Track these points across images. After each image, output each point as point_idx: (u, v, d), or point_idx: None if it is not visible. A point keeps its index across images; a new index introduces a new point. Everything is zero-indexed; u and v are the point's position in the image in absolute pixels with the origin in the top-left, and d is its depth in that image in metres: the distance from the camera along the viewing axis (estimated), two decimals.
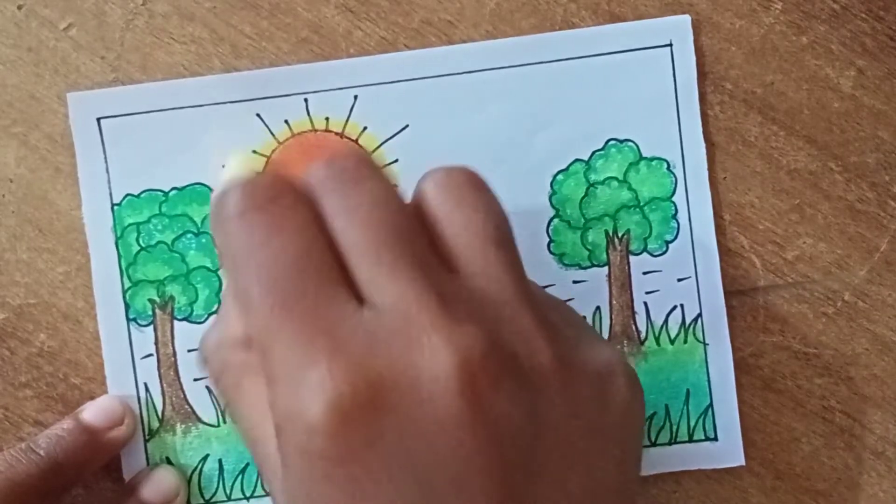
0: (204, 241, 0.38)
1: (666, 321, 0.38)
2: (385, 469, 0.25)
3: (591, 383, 0.28)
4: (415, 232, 0.28)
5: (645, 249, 0.38)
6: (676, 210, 0.38)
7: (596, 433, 0.28)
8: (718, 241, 0.38)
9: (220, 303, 0.38)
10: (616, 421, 0.28)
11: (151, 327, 0.38)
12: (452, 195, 0.29)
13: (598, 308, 0.38)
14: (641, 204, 0.38)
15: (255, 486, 0.38)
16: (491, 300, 0.27)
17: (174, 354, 0.38)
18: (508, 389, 0.25)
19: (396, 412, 0.25)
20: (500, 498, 0.25)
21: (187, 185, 0.38)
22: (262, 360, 0.26)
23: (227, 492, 0.38)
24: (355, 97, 0.38)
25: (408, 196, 0.29)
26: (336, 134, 0.38)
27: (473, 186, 0.29)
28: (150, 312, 0.38)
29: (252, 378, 0.28)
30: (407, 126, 0.38)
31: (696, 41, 0.38)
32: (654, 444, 0.38)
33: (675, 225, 0.38)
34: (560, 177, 0.38)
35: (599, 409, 0.28)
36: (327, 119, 0.38)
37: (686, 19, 0.38)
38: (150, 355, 0.38)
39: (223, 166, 0.37)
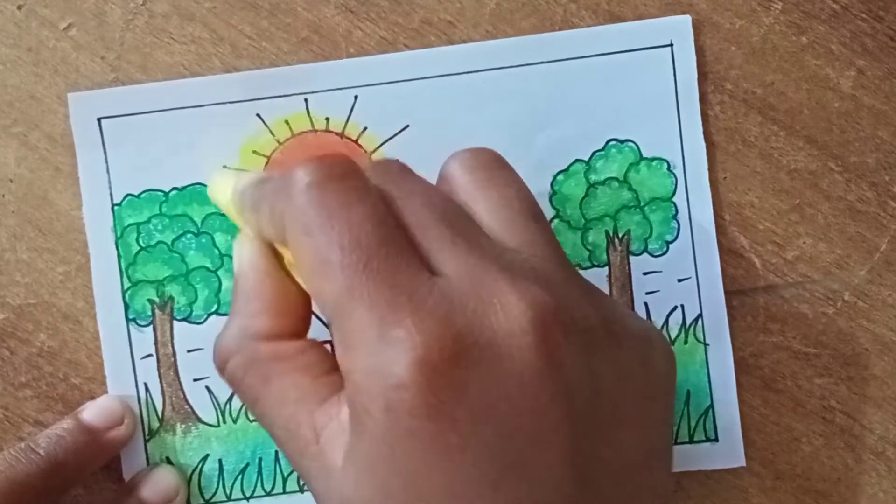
0: (204, 241, 0.38)
1: (666, 322, 0.38)
2: (469, 423, 0.25)
3: (635, 349, 0.29)
4: (462, 211, 0.29)
5: (645, 250, 0.38)
6: (677, 210, 0.38)
7: (641, 396, 0.29)
8: (719, 242, 0.38)
9: (219, 303, 0.38)
10: (658, 385, 0.30)
11: (151, 327, 0.38)
12: (483, 174, 0.31)
13: None
14: (642, 204, 0.38)
15: (255, 487, 0.38)
16: (540, 269, 0.28)
17: (174, 354, 0.38)
18: (576, 345, 0.27)
19: (478, 367, 0.25)
20: (570, 451, 0.26)
21: (187, 186, 0.38)
22: (338, 325, 0.27)
23: (227, 492, 0.38)
24: (355, 97, 0.38)
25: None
26: (336, 134, 0.38)
27: (500, 164, 0.31)
28: (149, 312, 0.38)
29: (282, 368, 0.29)
30: (407, 126, 0.38)
31: (696, 41, 0.38)
32: None
33: (676, 225, 0.38)
34: (560, 177, 0.38)
35: (643, 373, 0.29)
36: (327, 119, 0.38)
37: (686, 19, 0.38)
38: (150, 355, 0.38)
39: (223, 167, 0.37)
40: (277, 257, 0.31)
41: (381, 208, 0.28)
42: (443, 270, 0.27)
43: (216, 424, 0.38)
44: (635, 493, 0.28)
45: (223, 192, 0.33)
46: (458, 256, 0.27)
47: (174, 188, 0.38)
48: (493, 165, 0.31)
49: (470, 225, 0.29)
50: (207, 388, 0.38)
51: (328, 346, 0.30)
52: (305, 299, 0.31)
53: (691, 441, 0.38)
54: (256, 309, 0.30)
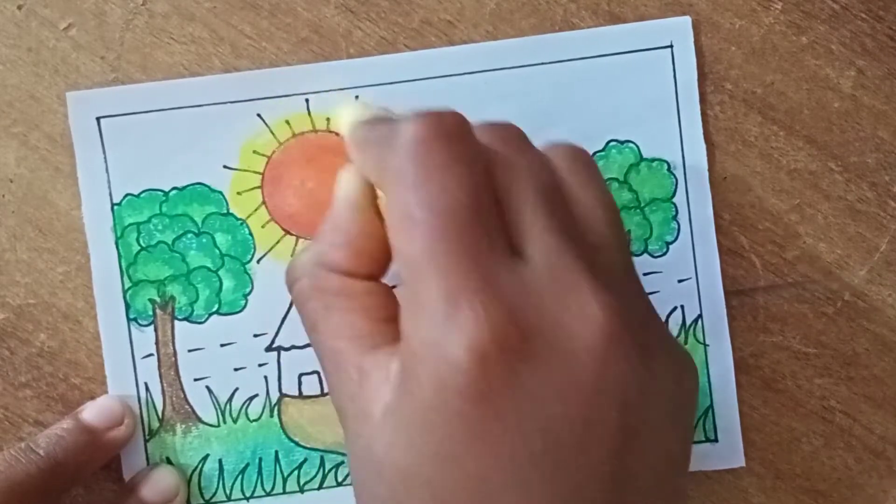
0: (204, 241, 0.38)
1: (666, 322, 0.38)
2: (516, 415, 0.25)
3: (675, 365, 0.29)
4: (563, 197, 0.29)
5: (645, 250, 0.38)
6: (677, 211, 0.38)
7: (672, 412, 0.29)
8: (719, 242, 0.38)
9: (220, 303, 0.38)
10: (686, 402, 0.30)
11: (152, 327, 0.38)
12: (584, 172, 0.30)
13: None
14: (642, 205, 0.38)
15: (255, 487, 0.38)
16: (617, 276, 0.28)
17: (174, 354, 0.38)
18: (635, 358, 0.27)
19: (537, 362, 0.25)
20: (611, 463, 0.26)
21: (187, 185, 0.38)
22: (409, 286, 0.27)
23: (227, 492, 0.38)
24: (356, 97, 0.38)
25: None
26: (337, 134, 0.38)
27: (597, 169, 0.31)
28: (150, 312, 0.38)
29: (344, 304, 0.29)
30: None
31: (696, 42, 0.38)
32: None
33: (676, 226, 0.38)
34: None
35: (676, 391, 0.29)
36: (328, 119, 0.38)
37: (686, 20, 0.38)
38: (151, 355, 0.38)
39: (334, 116, 0.37)
40: (374, 197, 0.31)
41: (480, 177, 0.27)
42: (528, 253, 0.27)
43: (216, 424, 0.38)
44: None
45: (345, 122, 0.33)
46: (547, 243, 0.27)
47: (174, 188, 0.38)
48: (592, 167, 0.31)
49: (567, 212, 0.29)
50: (208, 388, 0.38)
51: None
52: (389, 244, 0.30)
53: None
54: (338, 241, 0.30)
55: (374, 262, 0.30)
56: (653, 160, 0.38)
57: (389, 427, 0.26)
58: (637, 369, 0.27)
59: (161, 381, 0.38)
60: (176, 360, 0.38)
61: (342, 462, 0.38)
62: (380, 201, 0.31)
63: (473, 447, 0.25)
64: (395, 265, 0.28)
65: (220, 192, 0.38)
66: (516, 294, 0.26)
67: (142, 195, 0.38)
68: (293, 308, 0.35)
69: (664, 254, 0.38)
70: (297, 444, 0.38)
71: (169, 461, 0.38)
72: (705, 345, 0.38)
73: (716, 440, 0.38)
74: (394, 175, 0.28)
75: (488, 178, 0.28)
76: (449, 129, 0.28)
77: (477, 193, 0.27)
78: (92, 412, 0.37)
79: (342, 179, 0.31)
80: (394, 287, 0.30)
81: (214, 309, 0.38)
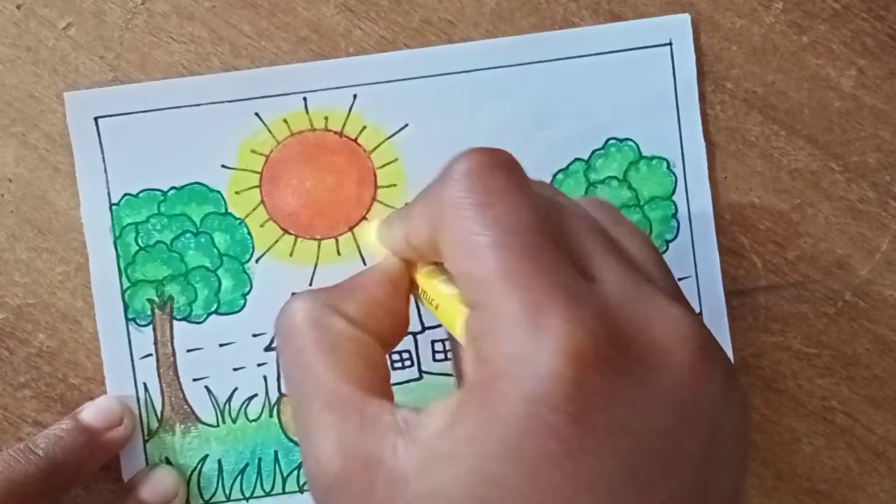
0: (203, 240, 0.38)
1: None
2: (608, 432, 0.24)
3: (741, 394, 0.28)
4: (609, 232, 0.28)
5: None
6: (676, 209, 0.38)
7: (740, 439, 0.28)
8: (719, 241, 0.38)
9: (219, 302, 0.38)
10: (747, 430, 0.29)
11: (150, 327, 0.38)
12: (620, 219, 0.30)
13: None
14: (641, 203, 0.38)
15: (255, 487, 0.38)
16: (680, 300, 0.28)
17: (173, 354, 0.38)
18: (720, 378, 0.26)
19: (631, 374, 0.24)
20: (694, 488, 0.25)
21: (186, 185, 0.38)
22: (483, 307, 0.25)
23: (227, 492, 0.38)
24: (354, 96, 0.38)
25: None
26: (335, 133, 0.38)
27: (617, 210, 0.31)
28: (149, 312, 0.38)
29: (350, 347, 0.28)
30: (406, 125, 0.38)
31: (696, 40, 0.38)
32: None
33: (675, 224, 0.38)
34: (560, 176, 0.38)
35: (743, 417, 0.28)
36: (326, 118, 0.38)
37: (686, 18, 0.38)
38: (150, 355, 0.38)
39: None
40: (407, 279, 0.30)
41: (541, 200, 0.27)
42: (598, 277, 0.26)
43: (215, 424, 0.38)
44: None
45: (373, 232, 0.32)
46: (614, 267, 0.26)
47: (172, 188, 0.38)
48: (617, 210, 0.31)
49: (618, 245, 0.28)
50: (207, 388, 0.38)
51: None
52: (402, 326, 0.30)
53: None
54: (358, 298, 0.29)
55: (383, 331, 0.29)
56: (652, 158, 0.38)
57: (459, 462, 0.24)
58: (723, 388, 0.26)
59: (160, 382, 0.38)
60: (175, 360, 0.38)
61: None
62: (417, 285, 0.30)
63: (563, 463, 0.24)
64: (464, 293, 0.26)
65: (219, 192, 0.38)
66: (601, 306, 0.25)
67: (140, 195, 0.38)
68: None
69: (664, 252, 0.38)
70: (296, 444, 0.38)
71: (168, 461, 0.38)
72: None
73: None
74: (452, 205, 0.27)
75: (546, 205, 0.27)
76: (504, 159, 0.27)
77: (543, 214, 0.26)
78: (91, 412, 0.37)
79: (383, 257, 0.31)
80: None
81: (213, 309, 0.38)
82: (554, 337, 0.24)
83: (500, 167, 0.27)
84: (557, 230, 0.27)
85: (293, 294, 0.29)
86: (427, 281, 0.29)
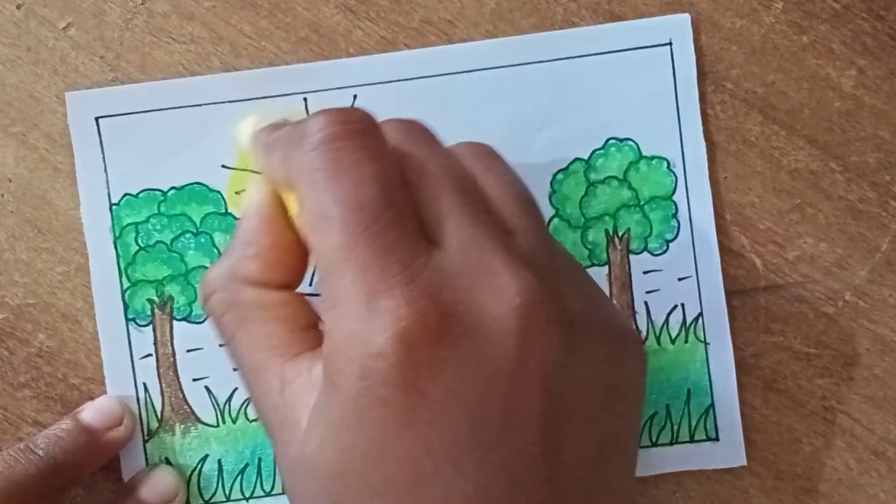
0: (203, 240, 0.38)
1: (667, 321, 0.38)
2: (442, 401, 0.26)
3: (610, 345, 0.29)
4: (475, 185, 0.29)
5: (645, 249, 0.38)
6: (677, 209, 0.38)
7: (610, 393, 0.29)
8: (719, 241, 0.38)
9: None
10: (628, 385, 0.30)
11: (150, 327, 0.38)
12: (494, 165, 0.31)
13: None
14: (642, 203, 0.38)
15: (255, 487, 0.38)
16: (534, 255, 0.28)
17: (173, 354, 0.38)
18: (556, 336, 0.27)
19: (459, 347, 0.26)
20: (541, 442, 0.26)
21: (186, 185, 0.38)
22: (328, 283, 0.27)
23: (227, 492, 0.38)
24: (354, 97, 0.38)
25: None
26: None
27: (504, 161, 0.32)
28: (149, 312, 0.38)
29: (260, 315, 0.29)
30: None
31: (696, 40, 0.38)
32: (655, 445, 0.38)
33: (676, 224, 0.38)
34: (560, 176, 0.38)
35: (615, 370, 0.29)
36: None
37: (686, 18, 0.38)
38: (150, 355, 0.38)
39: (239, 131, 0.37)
40: (284, 206, 0.31)
41: (391, 171, 0.28)
42: (443, 240, 0.27)
43: (215, 424, 0.38)
44: (595, 490, 0.28)
45: (245, 134, 0.33)
46: (461, 228, 0.27)
47: (172, 187, 0.38)
48: (490, 155, 0.32)
49: (481, 201, 0.29)
50: (207, 388, 0.38)
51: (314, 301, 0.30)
52: (302, 253, 0.31)
53: (692, 440, 0.38)
54: (250, 253, 0.30)
55: (289, 271, 0.30)
56: (652, 158, 0.38)
57: (318, 427, 0.26)
58: (560, 346, 0.27)
59: (160, 382, 0.38)
60: (175, 360, 0.38)
61: None
62: (289, 208, 0.31)
63: (401, 433, 0.25)
64: (315, 263, 0.28)
65: (219, 192, 0.38)
66: (434, 280, 0.26)
67: (140, 195, 0.38)
68: None
69: (664, 252, 0.38)
70: None
71: (168, 461, 0.38)
72: (706, 343, 0.38)
73: (717, 440, 0.38)
74: (304, 174, 0.28)
75: (399, 172, 0.28)
76: (356, 126, 0.28)
77: (389, 186, 0.27)
78: (91, 412, 0.37)
79: (250, 192, 0.32)
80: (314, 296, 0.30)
81: None
82: (385, 317, 0.25)
83: (351, 134, 0.28)
84: (405, 198, 0.28)
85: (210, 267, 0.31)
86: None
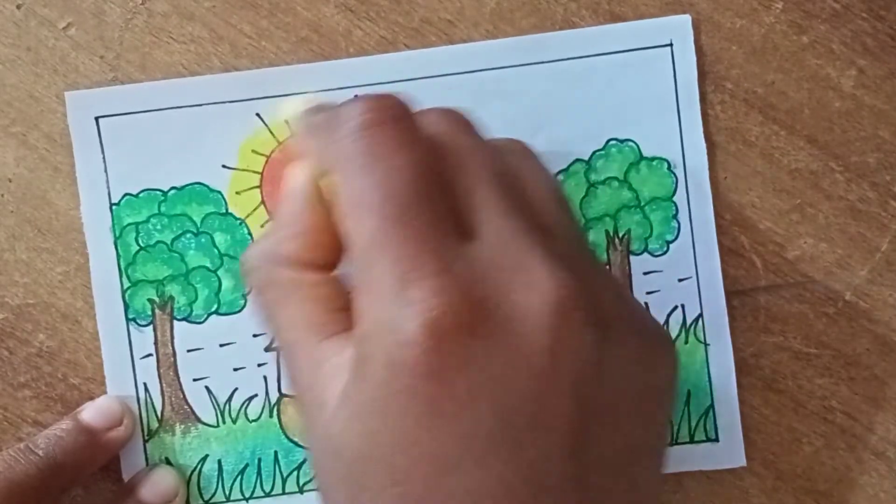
0: (203, 240, 0.38)
1: (667, 321, 0.38)
2: (469, 393, 0.25)
3: (643, 347, 0.29)
4: (514, 177, 0.29)
5: (646, 249, 0.38)
6: (677, 210, 0.38)
7: (642, 396, 0.29)
8: (719, 241, 0.38)
9: (219, 302, 0.38)
10: (660, 387, 0.30)
11: (151, 327, 0.38)
12: (530, 159, 0.31)
13: None
14: (642, 204, 0.38)
15: (255, 487, 0.38)
16: (569, 252, 0.28)
17: (174, 354, 0.38)
18: (590, 336, 0.26)
19: (489, 340, 0.25)
20: (570, 442, 0.26)
21: (186, 185, 0.38)
22: (361, 270, 0.27)
23: (227, 492, 0.38)
24: (355, 97, 0.37)
25: None
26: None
27: (532, 152, 0.32)
28: (149, 312, 0.38)
29: (297, 295, 0.29)
30: None
31: (696, 41, 0.38)
32: None
33: (676, 225, 0.38)
34: (560, 177, 0.38)
35: (647, 373, 0.29)
36: None
37: (686, 19, 0.38)
38: (150, 355, 0.38)
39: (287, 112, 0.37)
40: (323, 189, 0.31)
41: (427, 160, 0.28)
42: (478, 232, 0.27)
43: (215, 425, 0.38)
44: (621, 491, 0.28)
45: (291, 113, 0.34)
46: (497, 221, 0.27)
47: (173, 188, 0.38)
48: (530, 150, 0.32)
49: (518, 195, 0.29)
50: (207, 388, 0.38)
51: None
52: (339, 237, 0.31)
53: (692, 441, 0.38)
54: (289, 234, 0.30)
55: (326, 253, 0.30)
56: (653, 159, 0.38)
57: (345, 410, 0.26)
58: (593, 347, 0.26)
59: (160, 382, 0.38)
60: (175, 360, 0.38)
61: None
62: (327, 193, 0.31)
63: (426, 424, 0.25)
64: (348, 250, 0.28)
65: (219, 192, 0.38)
66: (467, 272, 0.26)
67: (140, 195, 0.38)
68: None
69: (664, 253, 0.38)
70: (296, 444, 0.38)
71: (168, 462, 0.38)
72: (706, 344, 0.38)
73: (717, 439, 0.38)
74: (339, 161, 0.28)
75: (436, 161, 0.28)
76: (393, 113, 0.28)
77: (425, 176, 0.27)
78: (91, 412, 0.37)
79: (292, 173, 0.32)
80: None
81: (213, 309, 0.38)
82: (415, 307, 0.25)
83: (387, 122, 0.28)
84: (440, 188, 0.27)
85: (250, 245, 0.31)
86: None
